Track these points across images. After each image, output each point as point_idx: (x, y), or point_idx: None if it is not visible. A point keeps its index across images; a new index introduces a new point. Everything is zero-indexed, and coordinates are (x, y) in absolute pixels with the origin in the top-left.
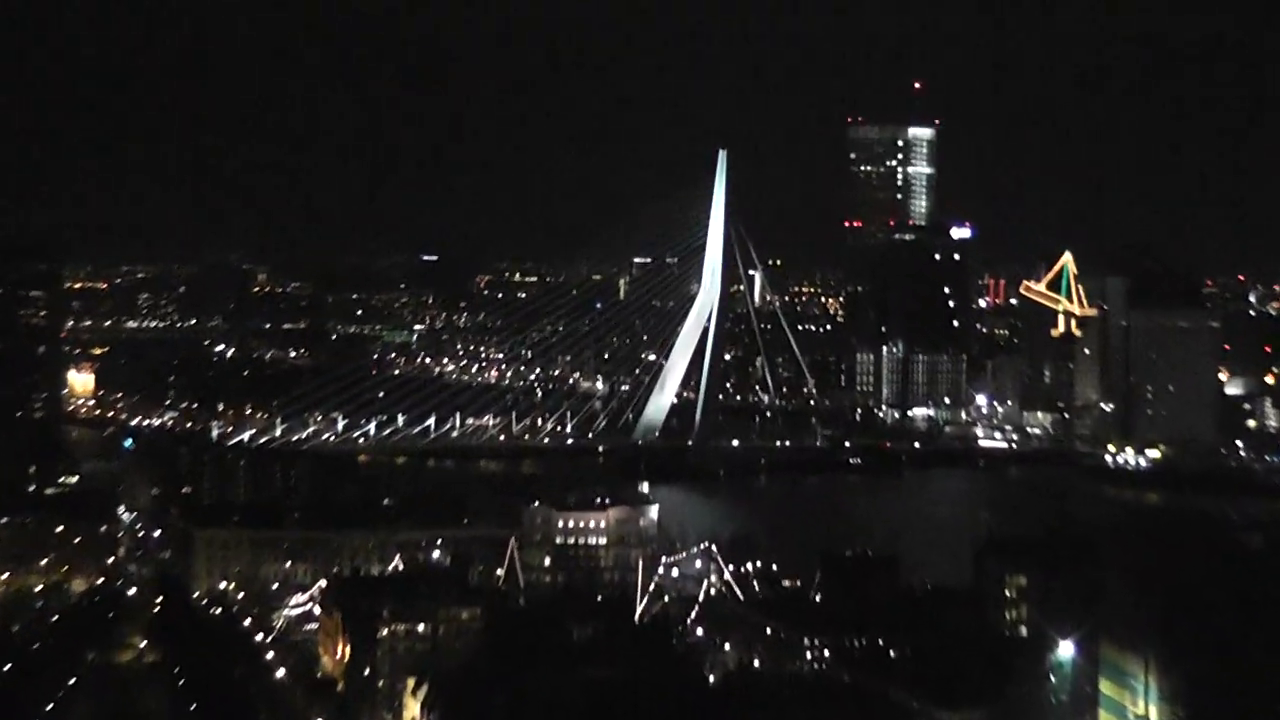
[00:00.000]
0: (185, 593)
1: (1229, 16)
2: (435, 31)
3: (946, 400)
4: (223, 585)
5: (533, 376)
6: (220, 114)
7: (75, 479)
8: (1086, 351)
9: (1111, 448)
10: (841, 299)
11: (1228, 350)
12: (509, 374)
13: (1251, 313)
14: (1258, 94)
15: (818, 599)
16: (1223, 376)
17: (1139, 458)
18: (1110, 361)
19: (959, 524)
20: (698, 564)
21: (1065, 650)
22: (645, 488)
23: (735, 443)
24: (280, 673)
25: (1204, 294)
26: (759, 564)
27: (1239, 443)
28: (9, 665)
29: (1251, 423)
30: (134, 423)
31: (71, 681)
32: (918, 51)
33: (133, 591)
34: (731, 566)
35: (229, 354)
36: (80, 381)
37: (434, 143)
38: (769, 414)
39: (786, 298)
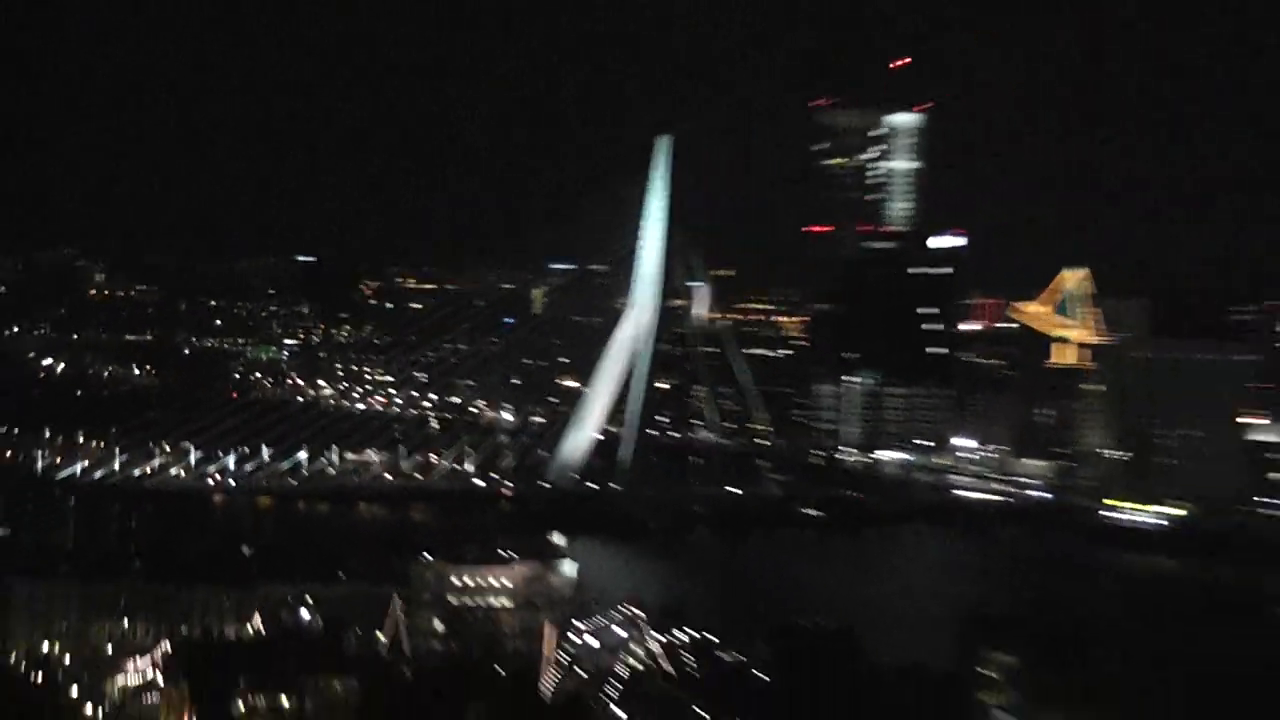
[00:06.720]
0: (1, 656)
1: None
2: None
3: (923, 442)
4: (46, 647)
5: (427, 404)
6: (55, 87)
7: None
8: (1094, 388)
9: (1121, 503)
10: (801, 319)
11: (1262, 390)
12: (399, 400)
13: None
14: None
15: (764, 678)
16: (1263, 421)
17: (1154, 516)
18: (1122, 400)
19: (935, 591)
20: (621, 633)
21: None
22: (560, 540)
23: (669, 489)
24: None
25: (1235, 322)
26: (694, 635)
27: (1273, 500)
28: None
29: None
30: None
31: None
32: (904, 24)
33: None
34: (661, 637)
35: (58, 370)
36: None
37: (314, 130)
38: (711, 455)
39: (736, 316)
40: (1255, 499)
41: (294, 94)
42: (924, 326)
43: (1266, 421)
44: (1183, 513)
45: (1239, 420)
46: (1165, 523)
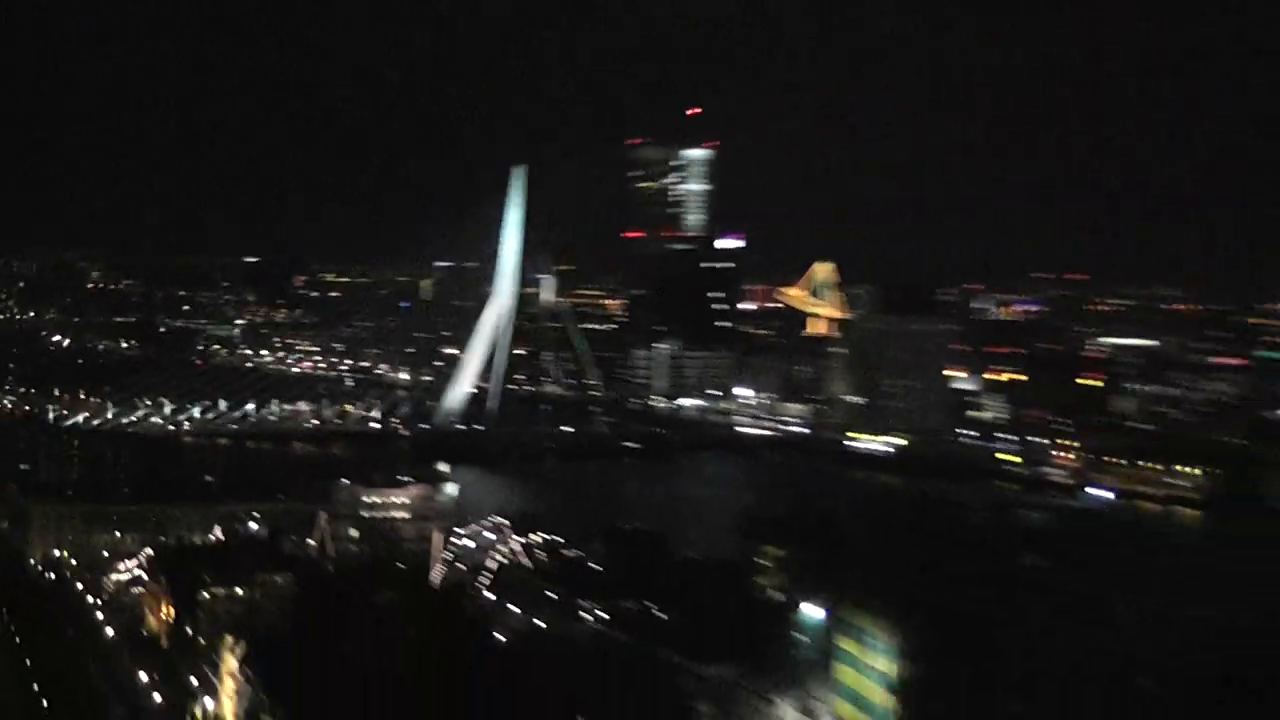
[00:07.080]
0: (21, 560)
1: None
2: (249, 50)
3: (713, 392)
4: (56, 553)
5: (343, 367)
6: (61, 114)
7: None
8: (838, 351)
9: (858, 436)
10: (622, 301)
11: (963, 350)
12: (322, 365)
13: (972, 316)
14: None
15: (598, 568)
16: (962, 374)
17: (881, 445)
18: (858, 360)
19: (723, 502)
20: (490, 536)
21: (812, 612)
22: (444, 468)
23: (525, 429)
24: (109, 632)
25: (941, 301)
26: (545, 537)
27: (968, 431)
28: None
29: (979, 414)
30: None
31: None
32: (705, 76)
33: None
34: (520, 539)
35: (65, 344)
36: None
37: (254, 154)
38: (556, 403)
39: (574, 299)
40: (956, 431)
41: (252, 116)
42: (713, 306)
43: (964, 374)
44: (904, 442)
45: (943, 373)
46: (891, 449)
